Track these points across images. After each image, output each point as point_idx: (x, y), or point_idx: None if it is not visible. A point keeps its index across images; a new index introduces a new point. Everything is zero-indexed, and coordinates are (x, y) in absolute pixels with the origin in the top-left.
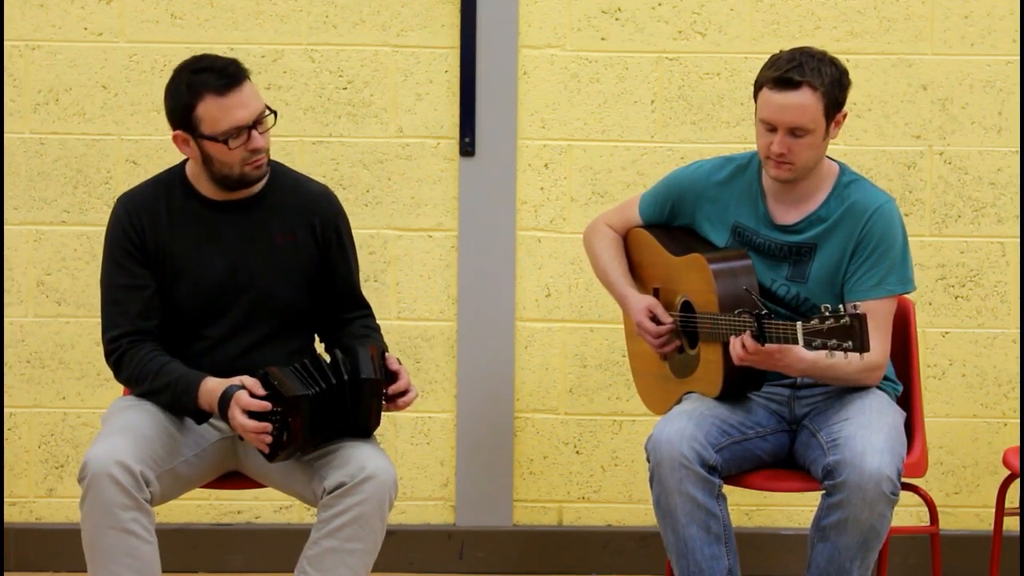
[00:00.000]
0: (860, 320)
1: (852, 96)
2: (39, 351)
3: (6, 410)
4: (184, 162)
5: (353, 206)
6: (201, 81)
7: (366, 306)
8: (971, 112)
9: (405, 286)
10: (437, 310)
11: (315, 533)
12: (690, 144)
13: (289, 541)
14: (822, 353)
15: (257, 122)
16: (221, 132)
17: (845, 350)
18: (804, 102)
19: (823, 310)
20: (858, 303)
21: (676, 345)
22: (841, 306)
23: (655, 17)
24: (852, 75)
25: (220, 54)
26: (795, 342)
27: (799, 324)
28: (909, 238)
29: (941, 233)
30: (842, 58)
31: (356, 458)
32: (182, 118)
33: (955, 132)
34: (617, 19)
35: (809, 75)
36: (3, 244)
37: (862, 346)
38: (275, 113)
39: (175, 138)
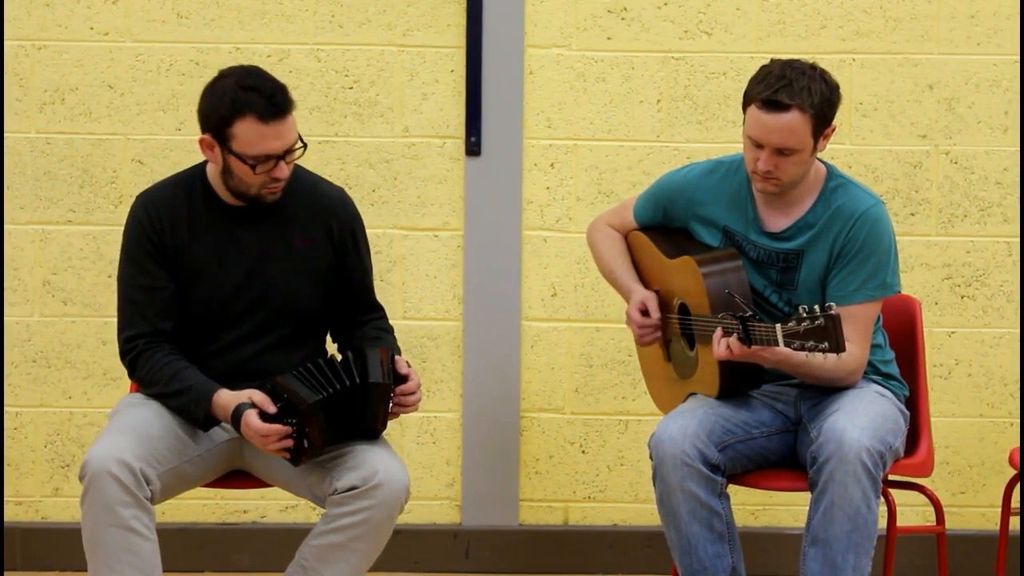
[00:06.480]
0: (834, 321)
1: (859, 95)
2: (45, 350)
3: (12, 410)
4: (204, 163)
5: (359, 206)
6: (247, 100)
7: (379, 308)
8: (977, 111)
9: (411, 286)
10: (443, 309)
11: (321, 526)
12: (696, 144)
13: (295, 540)
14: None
15: (287, 152)
16: (251, 156)
17: (822, 351)
18: (793, 124)
19: (800, 311)
20: (835, 305)
21: (657, 338)
22: (816, 307)
23: (661, 17)
24: (858, 75)
25: (265, 69)
26: (776, 343)
27: (778, 326)
28: (915, 238)
29: (947, 233)
30: (848, 58)
31: (369, 461)
32: (215, 127)
33: (961, 131)
34: (623, 19)
35: (798, 96)
36: (3, 244)
37: (838, 346)
38: (305, 146)
39: (201, 141)
